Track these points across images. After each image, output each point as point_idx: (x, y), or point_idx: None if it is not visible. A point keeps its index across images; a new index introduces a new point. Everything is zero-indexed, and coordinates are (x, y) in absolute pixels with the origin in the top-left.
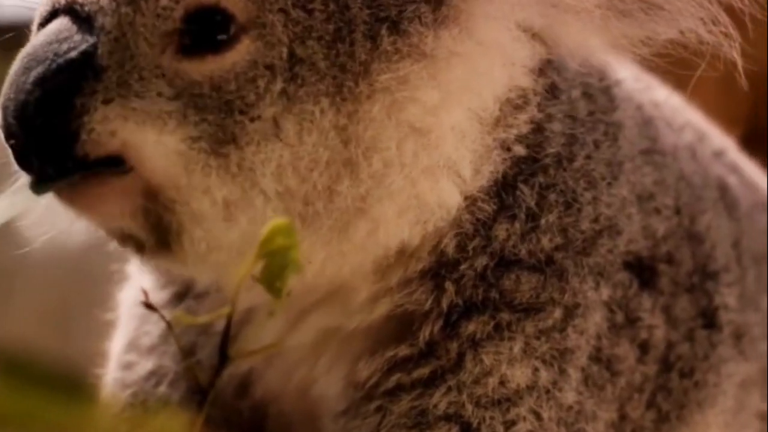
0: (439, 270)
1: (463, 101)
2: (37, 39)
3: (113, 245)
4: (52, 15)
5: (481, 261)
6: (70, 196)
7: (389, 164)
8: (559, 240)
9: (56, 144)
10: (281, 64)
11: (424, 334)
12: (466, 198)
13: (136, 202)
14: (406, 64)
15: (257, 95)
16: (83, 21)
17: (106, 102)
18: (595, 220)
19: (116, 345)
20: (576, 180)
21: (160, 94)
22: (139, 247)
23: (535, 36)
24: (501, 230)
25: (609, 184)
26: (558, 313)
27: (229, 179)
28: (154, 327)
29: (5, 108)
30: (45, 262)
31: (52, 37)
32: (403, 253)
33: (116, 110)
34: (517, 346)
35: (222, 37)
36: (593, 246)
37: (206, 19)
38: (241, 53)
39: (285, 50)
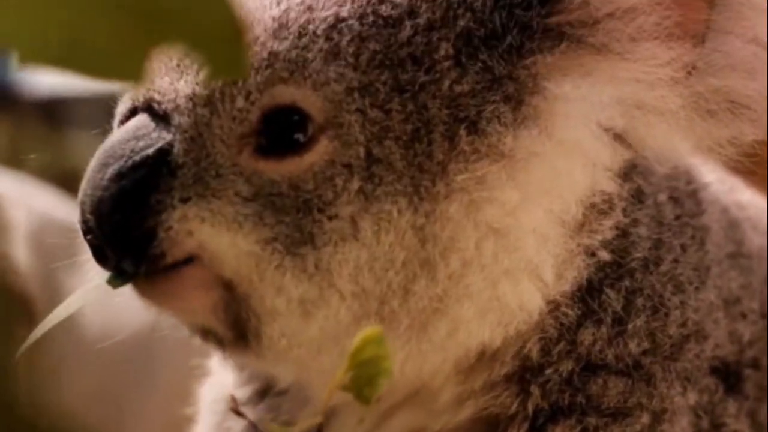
0: (524, 374)
1: (544, 203)
2: (115, 136)
3: (193, 339)
4: (131, 113)
5: (567, 365)
6: (150, 290)
7: (467, 264)
8: (646, 345)
9: (133, 241)
10: (359, 163)
11: None
12: (548, 302)
13: (215, 296)
14: (484, 164)
15: (335, 194)
16: (160, 119)
17: (184, 201)
18: (683, 325)
19: (206, 395)
20: (663, 284)
21: (237, 194)
22: (220, 343)
23: (618, 137)
24: (587, 335)
25: (696, 288)
26: (646, 418)
27: (305, 279)
28: (236, 423)
29: (82, 203)
30: (102, 340)
31: (130, 134)
32: (486, 356)
33: (193, 210)
34: None
35: (300, 137)
36: (680, 351)
37: (284, 120)
38: (319, 153)
39: (362, 150)
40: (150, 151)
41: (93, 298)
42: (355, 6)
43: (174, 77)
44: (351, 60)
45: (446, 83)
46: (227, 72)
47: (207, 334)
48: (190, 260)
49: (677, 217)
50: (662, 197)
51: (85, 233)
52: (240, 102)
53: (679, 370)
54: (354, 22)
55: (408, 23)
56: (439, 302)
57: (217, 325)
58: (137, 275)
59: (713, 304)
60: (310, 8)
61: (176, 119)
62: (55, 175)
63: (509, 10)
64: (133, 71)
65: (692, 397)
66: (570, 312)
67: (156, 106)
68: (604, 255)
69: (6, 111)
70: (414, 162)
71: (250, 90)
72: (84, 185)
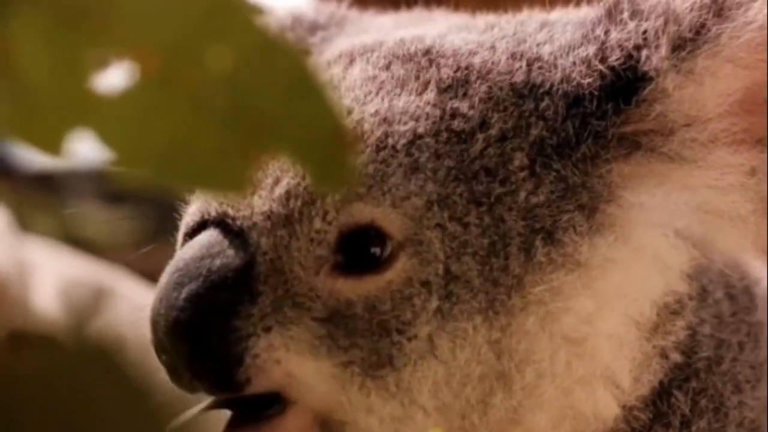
0: None
1: (619, 308)
2: (185, 252)
3: None
4: (200, 226)
5: None
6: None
7: (541, 375)
8: None
9: (217, 365)
10: (437, 281)
11: None
12: (623, 407)
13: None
14: (560, 275)
15: (413, 314)
16: (235, 236)
17: (266, 329)
18: (740, 424)
19: None
20: (724, 384)
21: (313, 318)
22: None
23: (691, 241)
24: None
25: (753, 387)
26: None
27: (389, 398)
28: None
29: (155, 323)
30: None
31: (204, 252)
32: None
33: (278, 339)
34: None
35: (379, 254)
36: None
37: (362, 239)
38: (397, 271)
39: (441, 267)
40: (229, 271)
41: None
42: (430, 122)
43: (247, 192)
44: (430, 174)
45: (522, 194)
46: (331, 182)
47: None
48: (275, 401)
49: (733, 314)
50: (719, 294)
51: (159, 353)
52: (318, 223)
53: None
54: (430, 140)
55: (480, 136)
56: (515, 413)
57: None
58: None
59: (766, 399)
60: (386, 121)
61: (254, 238)
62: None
63: (583, 119)
64: (234, 181)
65: None
66: (642, 416)
67: (230, 221)
68: (677, 356)
69: (5, 181)
70: (490, 277)
71: (328, 209)
72: (155, 303)
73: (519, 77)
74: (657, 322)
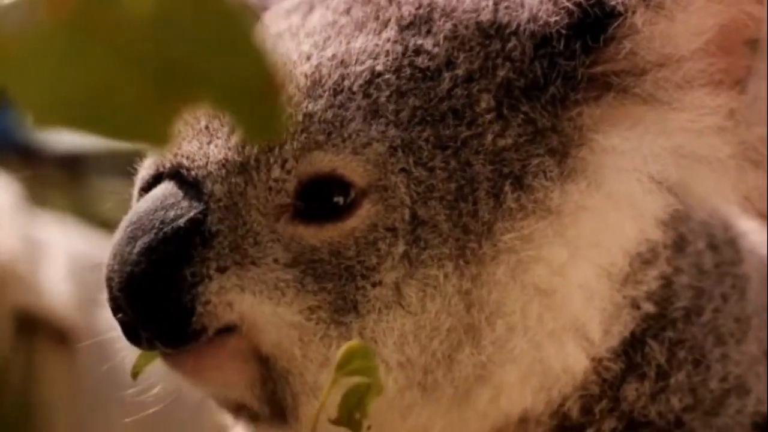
0: None
1: (591, 257)
2: (140, 206)
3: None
4: (155, 179)
5: (609, 424)
6: (183, 364)
7: (512, 328)
8: (688, 400)
9: (169, 318)
10: (403, 226)
11: None
12: (592, 359)
13: (252, 371)
14: (531, 222)
15: (379, 259)
16: (190, 186)
17: (221, 270)
18: (724, 379)
19: None
20: (704, 336)
21: (276, 261)
22: (254, 418)
23: (667, 187)
24: (630, 390)
25: (738, 341)
26: None
27: None
28: None
29: (109, 279)
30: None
31: (157, 204)
32: (525, 420)
33: (232, 280)
34: None
35: (340, 201)
36: (722, 406)
37: (323, 187)
38: (361, 217)
39: (407, 212)
40: (181, 221)
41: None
42: (390, 59)
43: (203, 141)
44: (392, 117)
45: (489, 137)
46: (261, 134)
47: (240, 409)
48: (226, 331)
49: (717, 266)
50: (701, 245)
51: (115, 311)
52: (276, 171)
53: (720, 426)
54: (391, 76)
55: (447, 75)
56: (483, 369)
57: (252, 401)
58: (172, 351)
59: (755, 357)
60: (343, 63)
61: (208, 187)
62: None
63: (551, 60)
64: (156, 133)
65: None
66: (613, 366)
67: (185, 172)
68: (649, 306)
69: (28, 165)
70: (459, 223)
71: (287, 157)
72: (110, 260)
73: (485, 16)
74: (628, 271)
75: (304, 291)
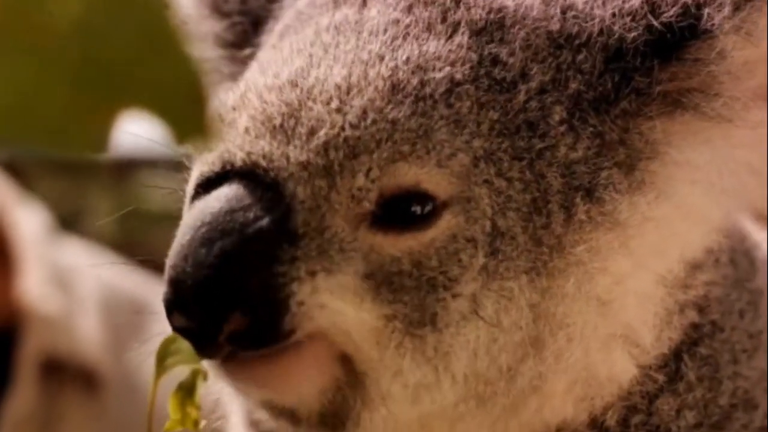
0: None
1: (652, 266)
2: (210, 206)
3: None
4: (220, 177)
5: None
6: (253, 369)
7: (571, 339)
8: (700, 417)
9: (260, 318)
10: (483, 237)
11: None
12: (641, 368)
13: (331, 376)
14: (600, 234)
15: (461, 270)
16: (267, 187)
17: (311, 273)
18: (733, 394)
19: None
20: (722, 353)
21: (356, 270)
22: (296, 423)
23: (728, 199)
24: (664, 404)
25: (749, 356)
26: None
27: (423, 362)
28: None
29: (179, 283)
30: None
31: (233, 204)
32: (561, 430)
33: (322, 283)
34: None
35: (420, 211)
36: (728, 420)
37: (405, 199)
38: (441, 228)
39: (488, 223)
40: (264, 222)
41: None
42: (467, 67)
43: (280, 140)
44: (474, 128)
45: (562, 150)
46: (191, 137)
47: (282, 412)
48: (269, 335)
49: (736, 280)
50: (725, 258)
51: (180, 314)
52: (360, 180)
53: None
54: (470, 87)
55: (522, 87)
56: (539, 380)
57: (313, 407)
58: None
59: (764, 371)
60: (420, 68)
61: (290, 189)
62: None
63: (623, 74)
64: (85, 141)
65: None
66: (658, 377)
67: (261, 173)
68: (693, 314)
69: (73, 168)
70: (533, 235)
71: (372, 166)
72: (179, 261)
73: (554, 25)
74: (682, 276)
75: (380, 299)
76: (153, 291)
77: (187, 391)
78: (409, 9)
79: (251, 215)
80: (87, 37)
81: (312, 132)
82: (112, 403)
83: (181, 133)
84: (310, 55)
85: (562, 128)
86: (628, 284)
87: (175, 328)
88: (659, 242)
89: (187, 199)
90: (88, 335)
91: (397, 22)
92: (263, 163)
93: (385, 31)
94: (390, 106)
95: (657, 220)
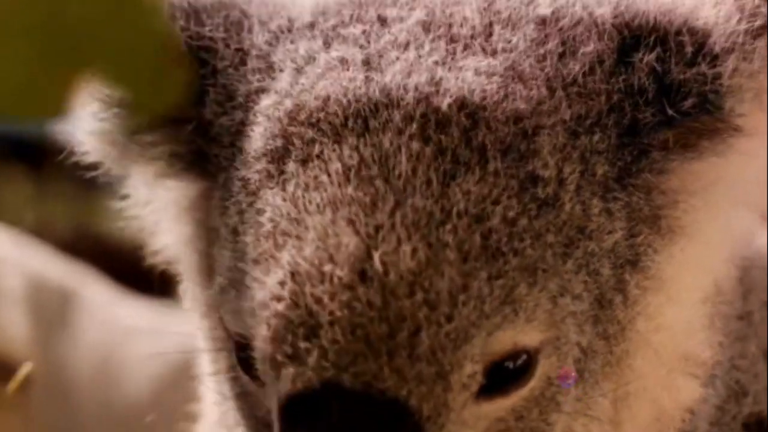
0: None
1: (692, 299)
2: None
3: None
4: (320, 399)
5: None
6: None
7: (639, 398)
8: (706, 413)
9: None
10: (573, 368)
11: None
12: (703, 383)
13: None
14: (649, 298)
15: (558, 413)
16: (385, 407)
17: None
18: (728, 388)
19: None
20: (731, 349)
21: None
22: None
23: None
24: (704, 411)
25: (742, 342)
26: None
27: None
28: None
29: None
30: (101, 409)
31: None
32: None
33: None
34: None
35: (519, 367)
36: (720, 413)
37: (503, 362)
38: (539, 375)
39: (576, 349)
40: None
41: None
42: (515, 200)
43: (383, 353)
44: (542, 265)
45: (606, 239)
46: (153, 107)
47: None
48: None
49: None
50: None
51: None
52: (468, 368)
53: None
54: (524, 221)
55: (564, 197)
56: None
57: None
58: None
59: (755, 356)
60: (477, 219)
61: (414, 406)
62: (84, 234)
63: (640, 150)
64: (48, 106)
65: None
66: (710, 390)
67: (377, 394)
68: (729, 310)
69: (35, 166)
70: (604, 334)
71: (475, 351)
72: None
73: (566, 112)
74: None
75: None
76: (81, 280)
77: None
78: (423, 134)
79: None
80: (50, 2)
81: (412, 338)
82: (38, 397)
83: (143, 101)
84: (352, 222)
85: (602, 218)
86: (676, 326)
87: None
88: (696, 278)
89: (275, 418)
90: (10, 331)
91: (419, 156)
92: (378, 384)
93: (414, 172)
94: (470, 280)
95: (691, 261)
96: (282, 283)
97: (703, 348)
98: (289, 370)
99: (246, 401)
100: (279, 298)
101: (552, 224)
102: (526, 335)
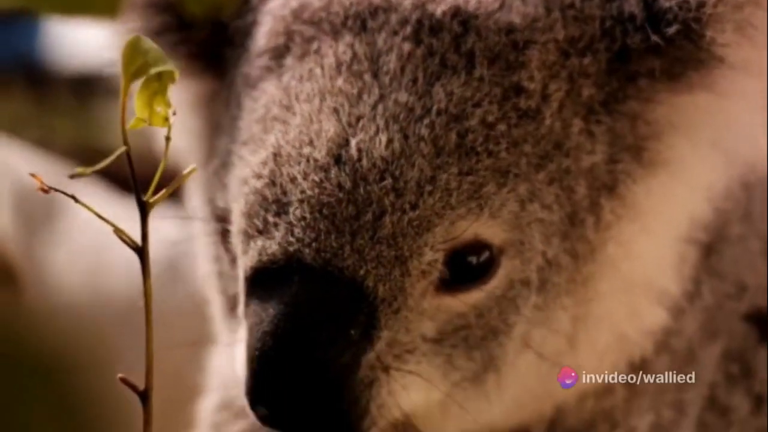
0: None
1: (668, 234)
2: (289, 311)
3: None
4: (283, 272)
5: (663, 359)
6: None
7: (602, 327)
8: (701, 317)
9: (340, 422)
10: (535, 275)
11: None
12: (670, 309)
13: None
14: (624, 226)
15: (517, 314)
16: (343, 285)
17: (386, 370)
18: (730, 286)
19: (207, 405)
20: (732, 252)
21: (424, 338)
22: None
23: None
24: (688, 324)
25: (743, 239)
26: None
27: (481, 401)
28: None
29: (260, 391)
30: (90, 305)
31: (313, 306)
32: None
33: (396, 379)
34: (647, 401)
35: (481, 264)
36: (720, 310)
37: (465, 255)
38: (500, 276)
39: (540, 257)
40: (351, 328)
41: None
42: (495, 105)
43: (345, 233)
44: (515, 170)
45: (584, 159)
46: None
47: None
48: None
49: (744, 185)
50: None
51: (263, 418)
52: (428, 255)
53: (717, 325)
54: (502, 126)
55: (546, 112)
56: (574, 363)
57: None
58: None
59: (755, 252)
60: (454, 118)
61: (371, 286)
62: (82, 149)
63: (627, 75)
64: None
65: (722, 344)
66: (683, 304)
67: (335, 271)
68: (703, 236)
69: (34, 86)
70: (572, 251)
71: (435, 238)
72: (261, 367)
73: (559, 32)
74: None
75: (452, 368)
76: (67, 182)
77: (153, 91)
78: (416, 36)
79: (336, 323)
80: None
81: (376, 221)
82: (26, 295)
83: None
84: (336, 111)
85: (582, 138)
86: (648, 257)
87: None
88: (673, 214)
89: (242, 289)
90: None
91: (409, 56)
92: (337, 262)
93: (402, 70)
94: (440, 171)
95: (669, 196)
96: (264, 163)
97: (672, 283)
98: (257, 243)
99: (222, 281)
100: (258, 176)
101: (530, 135)
102: (489, 230)
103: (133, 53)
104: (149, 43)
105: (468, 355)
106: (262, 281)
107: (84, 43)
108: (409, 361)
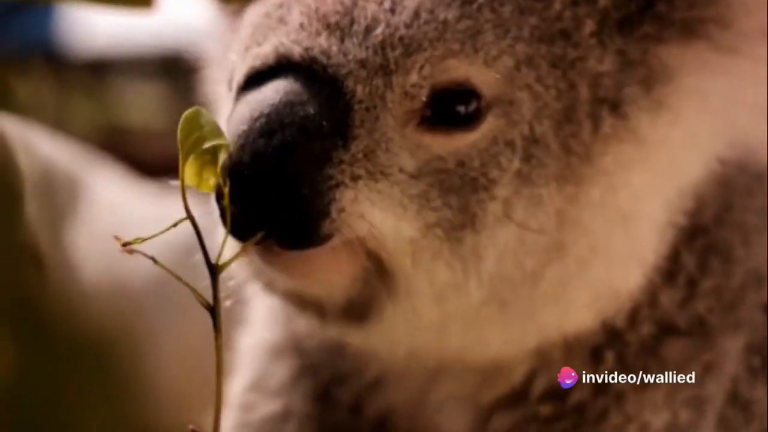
0: (602, 342)
1: (663, 188)
2: (268, 98)
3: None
4: (274, 71)
5: (645, 329)
6: (290, 264)
7: (594, 250)
8: (713, 303)
9: (301, 219)
10: (520, 142)
11: (573, 399)
12: (645, 276)
13: (360, 268)
14: (623, 147)
15: (499, 172)
16: (325, 83)
17: (354, 179)
18: (746, 273)
19: (237, 386)
20: (732, 234)
21: (402, 170)
22: (321, 314)
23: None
24: (665, 298)
25: (759, 232)
26: (699, 369)
27: (456, 264)
28: (282, 368)
29: (237, 171)
30: (107, 285)
31: (293, 98)
32: (576, 335)
33: (364, 192)
34: (660, 396)
35: (467, 112)
36: (741, 300)
37: (453, 96)
38: (484, 130)
39: (526, 127)
40: (323, 119)
41: None
42: None
43: (336, 37)
44: (516, 32)
45: (591, 61)
46: None
47: (307, 304)
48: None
49: (738, 162)
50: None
51: (234, 201)
52: (414, 77)
53: (737, 319)
54: None
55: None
56: (561, 288)
57: (340, 298)
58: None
59: None
60: None
61: (350, 87)
62: (100, 131)
63: (648, 8)
64: None
65: (744, 338)
66: (655, 278)
67: (320, 69)
68: (683, 220)
69: (52, 69)
70: (564, 143)
71: (424, 63)
72: (238, 151)
73: None
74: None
75: (427, 207)
76: (92, 168)
77: (205, 161)
78: None
79: (310, 111)
80: None
81: (368, 31)
82: (51, 280)
83: None
84: None
85: (592, 41)
86: (645, 203)
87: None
88: (671, 164)
89: (234, 90)
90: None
91: None
92: (322, 59)
93: None
94: (440, 8)
95: (671, 142)
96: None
97: (653, 252)
98: (253, 51)
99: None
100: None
101: (536, 10)
102: (481, 76)
103: (190, 127)
104: (207, 116)
105: (445, 199)
106: (252, 83)
107: (101, 27)
108: (382, 182)
